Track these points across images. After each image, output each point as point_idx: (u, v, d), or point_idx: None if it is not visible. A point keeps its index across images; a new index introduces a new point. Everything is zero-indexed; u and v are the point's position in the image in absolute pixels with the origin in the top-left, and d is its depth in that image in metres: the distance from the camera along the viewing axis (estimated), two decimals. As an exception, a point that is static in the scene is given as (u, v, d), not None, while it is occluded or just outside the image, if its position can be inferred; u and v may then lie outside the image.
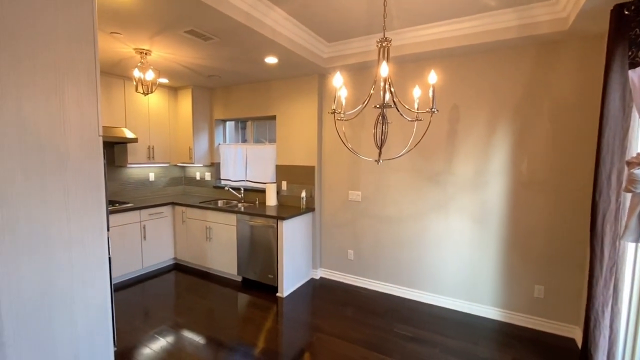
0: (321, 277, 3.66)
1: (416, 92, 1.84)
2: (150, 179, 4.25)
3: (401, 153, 1.99)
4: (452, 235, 2.93)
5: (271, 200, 3.70)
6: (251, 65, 3.12)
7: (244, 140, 4.48)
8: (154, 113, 3.96)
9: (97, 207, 1.62)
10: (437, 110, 1.58)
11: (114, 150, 3.81)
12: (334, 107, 1.67)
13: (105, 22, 2.16)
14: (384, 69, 1.47)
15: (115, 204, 3.46)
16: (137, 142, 3.57)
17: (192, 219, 3.78)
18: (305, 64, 3.04)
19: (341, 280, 3.55)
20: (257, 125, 4.29)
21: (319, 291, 3.32)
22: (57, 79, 1.42)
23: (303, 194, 3.50)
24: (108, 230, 1.72)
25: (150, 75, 2.69)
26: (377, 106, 1.55)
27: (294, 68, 3.21)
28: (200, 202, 3.87)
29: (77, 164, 1.53)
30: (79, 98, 1.52)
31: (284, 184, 3.74)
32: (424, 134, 1.89)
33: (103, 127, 3.61)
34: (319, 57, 3.05)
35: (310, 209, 3.52)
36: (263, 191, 3.93)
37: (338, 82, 1.61)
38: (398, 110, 1.62)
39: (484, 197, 2.77)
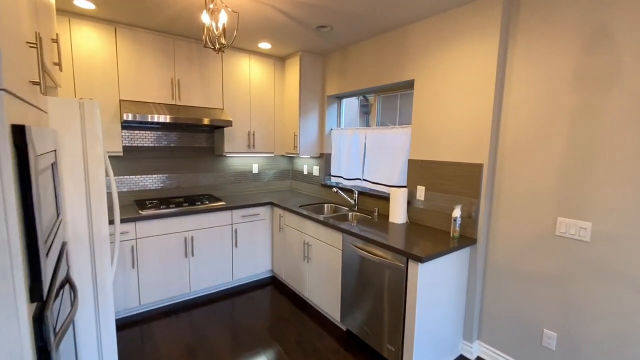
0: (478, 358, 2.10)
1: None
2: (254, 171, 3.59)
3: None
4: None
5: (398, 214, 2.36)
6: (377, -12, 1.82)
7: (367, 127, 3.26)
8: (257, 92, 3.21)
9: (-2, 250, 0.69)
10: None
11: (214, 136, 3.27)
12: None
13: None
14: None
15: (205, 201, 2.86)
16: (231, 125, 2.86)
17: (290, 227, 2.86)
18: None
19: (522, 378, 1.91)
20: (382, 102, 2.98)
21: (477, 393, 1.81)
22: None
23: (457, 213, 2.01)
24: (48, 292, 0.81)
25: (223, 18, 1.76)
26: None
27: (456, -19, 1.72)
28: (300, 206, 2.91)
29: None
30: None
31: (421, 191, 2.33)
32: None
33: (193, 107, 2.74)
34: (519, -62, 1.46)
35: (468, 239, 2.01)
36: (386, 197, 2.63)
37: None
38: None
39: None
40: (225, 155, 3.34)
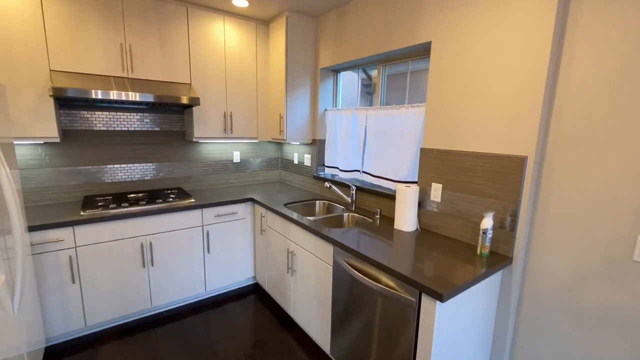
0: (508, 409, 1.63)
1: None
2: (235, 160, 3.05)
3: None
4: None
5: (406, 219, 1.83)
6: None
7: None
8: (234, 64, 2.63)
9: None
10: None
11: (184, 118, 2.72)
12: None
13: None
14: None
15: (170, 198, 2.35)
16: (199, 104, 2.30)
17: (273, 230, 2.35)
18: None
19: None
20: (388, 80, 2.39)
21: None
22: None
23: (488, 223, 1.47)
24: None
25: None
26: None
27: None
28: (286, 204, 2.40)
29: None
30: None
31: (437, 190, 1.79)
32: None
33: (149, 81, 2.15)
34: None
35: (500, 257, 1.49)
36: (390, 196, 2.10)
37: None
38: None
39: None
40: (197, 142, 2.80)
